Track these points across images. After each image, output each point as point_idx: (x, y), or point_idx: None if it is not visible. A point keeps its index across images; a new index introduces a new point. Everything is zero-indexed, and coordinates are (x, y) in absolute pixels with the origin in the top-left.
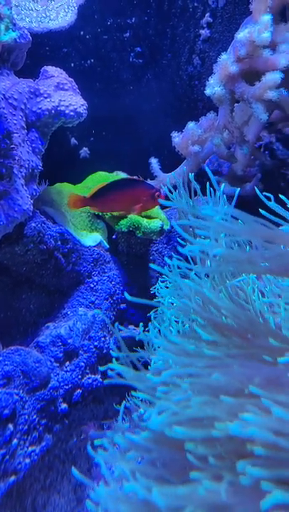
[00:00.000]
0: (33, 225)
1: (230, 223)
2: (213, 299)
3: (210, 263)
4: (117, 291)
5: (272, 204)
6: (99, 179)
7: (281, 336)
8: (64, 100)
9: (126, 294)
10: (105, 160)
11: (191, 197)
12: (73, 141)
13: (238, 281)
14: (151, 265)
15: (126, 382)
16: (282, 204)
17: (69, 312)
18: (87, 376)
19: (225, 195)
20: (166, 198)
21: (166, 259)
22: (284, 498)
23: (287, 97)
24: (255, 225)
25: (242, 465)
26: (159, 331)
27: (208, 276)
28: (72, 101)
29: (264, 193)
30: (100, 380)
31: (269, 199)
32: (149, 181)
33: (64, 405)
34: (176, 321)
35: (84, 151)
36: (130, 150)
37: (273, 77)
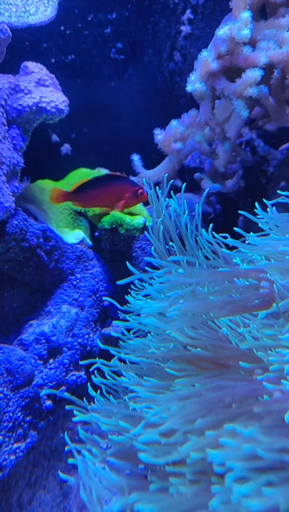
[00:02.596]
0: (15, 222)
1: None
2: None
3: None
4: (101, 289)
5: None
6: (81, 176)
7: (253, 356)
8: (45, 96)
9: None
10: (87, 157)
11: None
12: (55, 137)
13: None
14: (128, 265)
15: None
16: (265, 204)
17: (52, 310)
18: (72, 373)
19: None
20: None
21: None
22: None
23: (268, 94)
24: (213, 271)
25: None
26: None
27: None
28: (54, 97)
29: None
30: (85, 376)
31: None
32: (131, 178)
33: (49, 402)
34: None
35: (65, 148)
36: (112, 147)
37: (253, 74)
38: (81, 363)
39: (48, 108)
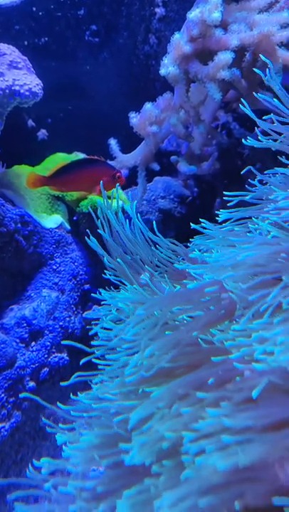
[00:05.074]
0: None
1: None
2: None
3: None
4: (81, 272)
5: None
6: (58, 161)
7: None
8: (18, 79)
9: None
10: (64, 141)
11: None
12: (30, 122)
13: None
14: (92, 243)
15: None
16: (242, 185)
17: (33, 294)
18: (54, 355)
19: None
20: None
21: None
22: None
23: (240, 77)
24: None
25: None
26: None
27: None
28: (27, 80)
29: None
30: (67, 358)
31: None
32: (109, 162)
33: (32, 383)
34: None
35: (42, 133)
36: (89, 131)
37: (225, 57)
38: (64, 342)
39: (22, 91)
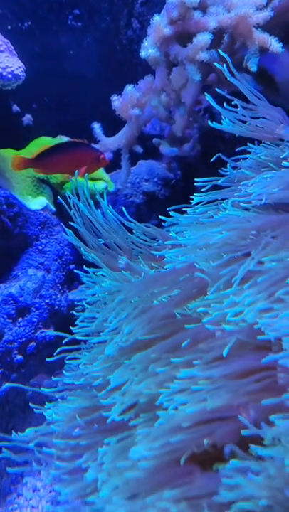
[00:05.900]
0: None
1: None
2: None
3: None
4: (66, 253)
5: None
6: (42, 144)
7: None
8: (1, 62)
9: None
10: (49, 126)
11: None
12: (15, 108)
13: None
14: (69, 237)
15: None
16: (224, 167)
17: (19, 273)
18: (40, 330)
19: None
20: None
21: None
22: None
23: (218, 59)
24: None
25: None
26: None
27: None
28: (9, 63)
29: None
30: (53, 334)
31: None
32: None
33: (19, 356)
34: None
35: (27, 118)
36: (73, 116)
37: (204, 38)
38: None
39: (4, 74)
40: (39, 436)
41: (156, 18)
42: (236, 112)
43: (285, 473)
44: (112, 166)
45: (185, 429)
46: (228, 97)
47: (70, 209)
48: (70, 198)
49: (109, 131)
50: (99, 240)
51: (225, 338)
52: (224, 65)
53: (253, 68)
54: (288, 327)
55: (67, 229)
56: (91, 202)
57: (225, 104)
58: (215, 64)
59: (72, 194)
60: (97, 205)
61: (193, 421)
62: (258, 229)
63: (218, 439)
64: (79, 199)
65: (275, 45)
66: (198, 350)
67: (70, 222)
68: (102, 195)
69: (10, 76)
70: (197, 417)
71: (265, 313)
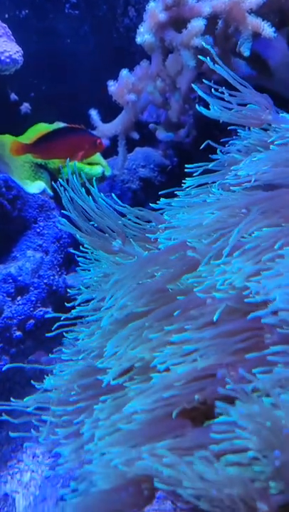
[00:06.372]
0: None
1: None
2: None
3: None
4: (64, 236)
5: None
6: (40, 130)
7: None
8: None
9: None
10: (47, 115)
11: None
12: (13, 96)
13: None
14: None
15: None
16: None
17: (18, 255)
18: (39, 309)
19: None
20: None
21: None
22: None
23: (213, 44)
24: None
25: None
26: None
27: None
28: (7, 47)
29: None
30: (52, 312)
31: None
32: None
33: (19, 332)
34: None
35: (25, 107)
36: (71, 105)
37: (198, 24)
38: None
39: (3, 58)
40: (38, 403)
41: (152, 4)
42: (223, 100)
43: (272, 424)
44: (109, 153)
45: (177, 386)
46: (214, 86)
47: (63, 196)
48: (61, 186)
49: (107, 120)
50: (92, 223)
51: (215, 305)
52: (210, 56)
53: (246, 53)
54: (274, 287)
55: (61, 218)
56: (83, 190)
57: (213, 91)
58: (207, 48)
59: (67, 179)
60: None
61: (185, 379)
62: (248, 206)
63: (208, 395)
64: (72, 184)
65: (267, 29)
66: (190, 317)
67: (62, 211)
68: (99, 179)
69: (8, 60)
70: (188, 376)
71: (252, 277)
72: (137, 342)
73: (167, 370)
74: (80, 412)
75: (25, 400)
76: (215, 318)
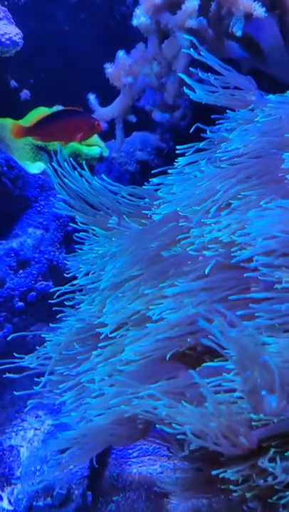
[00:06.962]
0: None
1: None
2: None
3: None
4: (63, 215)
5: None
6: (40, 113)
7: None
8: None
9: None
10: (46, 102)
11: None
12: (13, 83)
13: None
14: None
15: None
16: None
17: (19, 232)
18: (40, 282)
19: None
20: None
21: None
22: None
23: (206, 25)
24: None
25: None
26: None
27: None
28: (7, 30)
29: None
30: (52, 286)
31: None
32: None
33: (21, 303)
34: None
35: (24, 94)
36: (70, 91)
37: (192, 4)
38: None
39: (3, 40)
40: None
41: None
42: (211, 84)
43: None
44: (107, 137)
45: (170, 331)
46: (201, 74)
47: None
48: (55, 170)
49: (104, 105)
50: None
51: (206, 262)
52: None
53: (238, 33)
54: (259, 229)
55: (57, 202)
56: (76, 173)
57: (200, 74)
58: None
59: (69, 157)
60: (91, 171)
61: (178, 325)
62: (235, 173)
63: (199, 339)
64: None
65: (258, 10)
66: (183, 273)
67: (57, 195)
68: (97, 159)
69: (8, 42)
70: (181, 321)
71: (239, 230)
72: (133, 297)
73: (162, 320)
74: (79, 362)
75: (26, 357)
76: (206, 272)
